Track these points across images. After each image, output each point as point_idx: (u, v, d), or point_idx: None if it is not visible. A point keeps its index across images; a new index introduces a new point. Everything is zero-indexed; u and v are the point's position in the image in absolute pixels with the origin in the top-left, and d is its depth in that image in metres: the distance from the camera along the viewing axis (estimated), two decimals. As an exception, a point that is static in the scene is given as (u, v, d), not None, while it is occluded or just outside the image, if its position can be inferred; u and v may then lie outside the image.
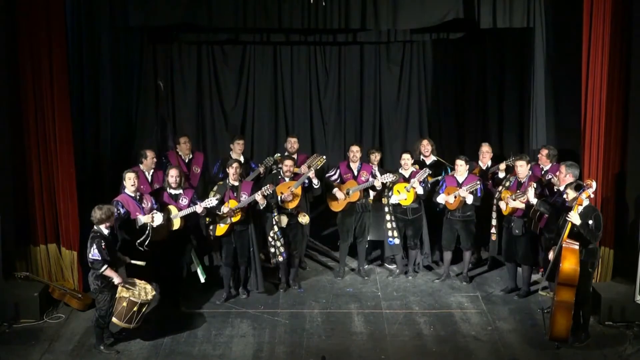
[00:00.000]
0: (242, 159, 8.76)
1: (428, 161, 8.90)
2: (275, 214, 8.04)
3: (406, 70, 10.25)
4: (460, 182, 8.20)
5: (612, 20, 7.52)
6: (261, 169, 8.63)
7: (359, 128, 10.38)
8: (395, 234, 8.44)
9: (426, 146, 8.90)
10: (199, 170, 8.79)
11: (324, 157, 8.56)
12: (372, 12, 8.48)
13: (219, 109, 10.16)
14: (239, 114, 10.18)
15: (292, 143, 8.91)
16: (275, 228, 8.04)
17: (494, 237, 8.17)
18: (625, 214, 7.74)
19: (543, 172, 8.24)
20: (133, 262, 7.10)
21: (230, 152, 8.84)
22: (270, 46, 10.05)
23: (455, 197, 8.10)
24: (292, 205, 8.11)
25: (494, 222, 8.14)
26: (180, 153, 8.74)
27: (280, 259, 8.09)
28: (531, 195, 7.45)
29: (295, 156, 8.84)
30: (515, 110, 9.66)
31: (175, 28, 9.40)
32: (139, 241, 7.29)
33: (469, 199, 8.12)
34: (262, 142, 10.17)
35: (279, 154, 9.00)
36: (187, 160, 8.78)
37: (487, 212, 8.24)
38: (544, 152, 8.29)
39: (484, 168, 8.68)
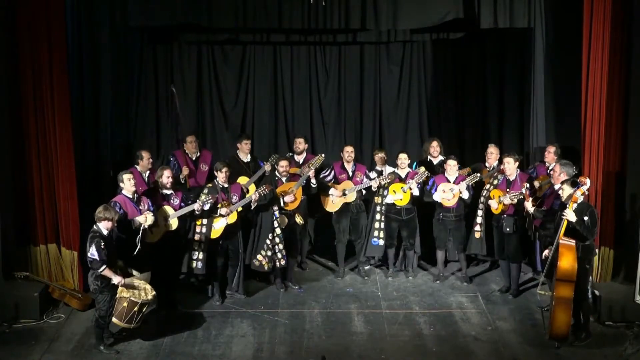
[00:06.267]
0: (249, 157, 8.82)
1: (435, 161, 8.87)
2: (277, 215, 8.03)
3: (406, 70, 10.24)
4: (452, 181, 8.21)
5: (612, 20, 7.53)
6: (267, 167, 8.65)
7: (359, 128, 10.37)
8: (381, 234, 8.44)
9: (436, 147, 8.90)
10: (206, 167, 8.79)
11: (323, 155, 8.56)
12: (372, 12, 8.49)
13: (219, 109, 10.16)
14: (239, 114, 10.18)
15: (298, 143, 8.94)
16: (278, 230, 8.03)
17: (477, 235, 8.17)
18: (625, 214, 7.75)
19: (548, 170, 8.21)
20: (135, 272, 7.05)
21: (238, 152, 8.86)
22: (270, 46, 10.05)
23: (453, 193, 8.10)
24: (293, 207, 8.10)
25: (479, 219, 8.15)
26: (187, 152, 8.76)
27: (283, 262, 8.08)
28: (529, 206, 7.52)
29: (303, 156, 8.85)
30: (515, 110, 9.67)
31: (175, 28, 9.39)
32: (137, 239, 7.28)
33: (465, 194, 8.12)
34: (262, 142, 10.16)
35: (289, 153, 9.01)
36: (194, 158, 8.81)
37: (469, 212, 8.28)
38: (552, 149, 8.23)
39: (490, 169, 8.67)
